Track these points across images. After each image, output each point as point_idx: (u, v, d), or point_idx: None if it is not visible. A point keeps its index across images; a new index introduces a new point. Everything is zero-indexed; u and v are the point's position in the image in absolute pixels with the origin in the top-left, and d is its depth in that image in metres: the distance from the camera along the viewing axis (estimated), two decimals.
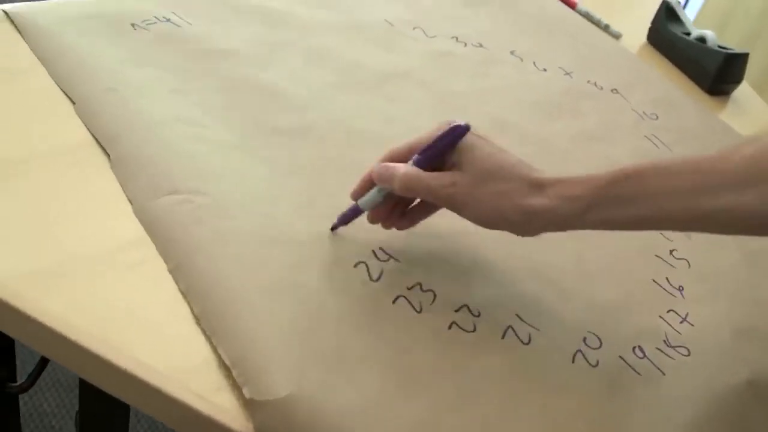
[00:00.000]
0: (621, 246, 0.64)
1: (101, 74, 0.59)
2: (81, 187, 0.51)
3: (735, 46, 0.97)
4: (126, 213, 0.50)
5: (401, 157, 0.50)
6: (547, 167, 0.49)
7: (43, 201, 0.49)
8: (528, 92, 0.79)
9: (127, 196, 0.51)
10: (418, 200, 0.53)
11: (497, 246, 0.58)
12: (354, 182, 0.52)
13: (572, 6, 1.03)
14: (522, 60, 0.85)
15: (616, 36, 1.01)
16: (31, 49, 0.61)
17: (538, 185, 0.47)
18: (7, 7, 0.65)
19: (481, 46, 0.85)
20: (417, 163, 0.49)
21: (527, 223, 0.48)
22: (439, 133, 0.48)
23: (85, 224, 0.49)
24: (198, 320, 0.45)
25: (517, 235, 0.49)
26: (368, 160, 0.52)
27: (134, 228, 0.49)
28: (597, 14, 1.02)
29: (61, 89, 0.58)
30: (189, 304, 0.46)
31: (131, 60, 0.62)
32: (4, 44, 0.61)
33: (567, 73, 0.86)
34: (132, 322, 0.44)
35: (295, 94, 0.66)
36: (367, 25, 0.80)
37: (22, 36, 0.62)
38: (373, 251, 0.53)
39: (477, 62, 0.81)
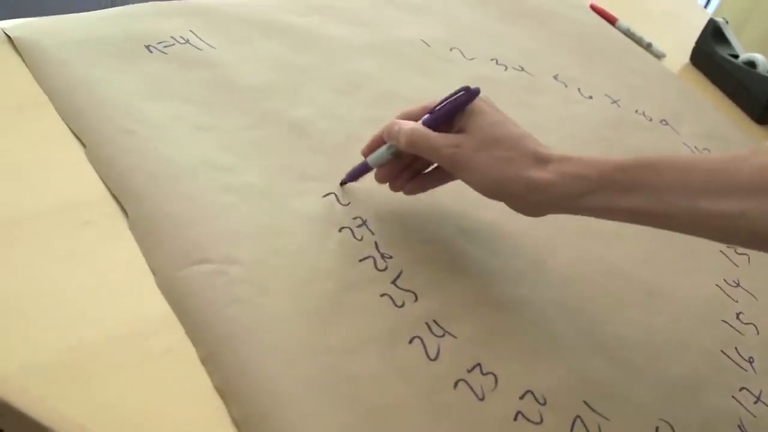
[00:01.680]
0: (687, 309, 0.59)
1: (116, 111, 0.53)
2: (93, 253, 0.45)
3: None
4: (148, 286, 0.44)
5: (414, 117, 0.51)
6: None
7: (46, 273, 0.43)
8: (576, 125, 0.73)
9: (149, 264, 0.45)
10: (430, 169, 0.53)
11: (559, 318, 0.53)
12: (394, 231, 0.52)
13: (612, 21, 0.97)
14: (566, 86, 0.79)
15: (659, 56, 0.95)
16: (36, 80, 0.54)
17: (544, 159, 0.46)
18: (8, 25, 0.58)
19: (522, 69, 0.79)
20: (426, 123, 0.49)
21: (526, 196, 0.47)
22: (453, 95, 0.49)
23: (99, 301, 0.43)
24: (238, 426, 0.39)
25: (515, 210, 0.49)
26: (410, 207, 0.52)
27: (158, 305, 0.43)
28: (638, 31, 0.96)
29: (71, 129, 0.52)
30: (226, 403, 0.40)
31: (149, 91, 0.56)
32: (5, 73, 0.55)
33: (614, 101, 0.80)
34: (159, 429, 0.38)
35: (328, 131, 0.60)
36: (403, 46, 0.74)
37: (26, 63, 0.55)
38: (427, 324, 0.48)
39: (520, 89, 0.75)
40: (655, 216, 0.45)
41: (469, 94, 0.48)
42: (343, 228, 0.52)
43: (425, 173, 0.53)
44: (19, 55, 0.56)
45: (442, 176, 0.52)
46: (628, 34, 0.96)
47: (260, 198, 0.51)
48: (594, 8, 0.98)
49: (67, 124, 0.52)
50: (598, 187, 0.45)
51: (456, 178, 0.50)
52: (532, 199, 0.47)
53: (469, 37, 0.81)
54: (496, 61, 0.78)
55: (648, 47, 0.95)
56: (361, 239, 0.52)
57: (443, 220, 0.56)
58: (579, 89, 0.80)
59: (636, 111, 0.80)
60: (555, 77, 0.80)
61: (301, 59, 0.66)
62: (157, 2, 0.66)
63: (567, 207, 0.47)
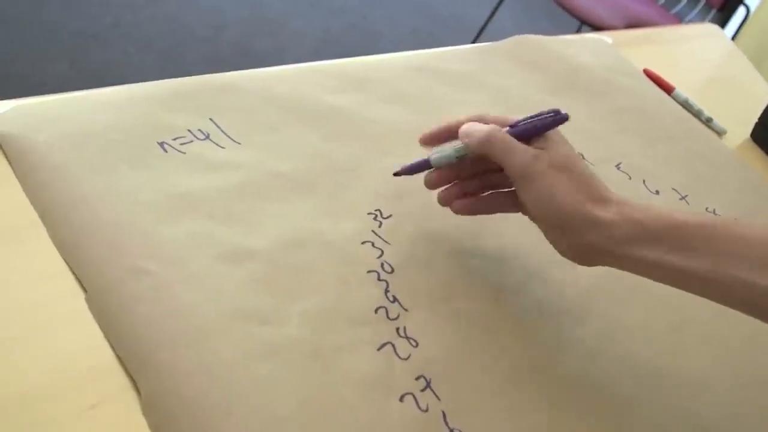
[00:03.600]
0: None
1: (125, 241, 0.44)
2: None
3: None
4: None
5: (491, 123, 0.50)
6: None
7: None
8: None
9: None
10: (487, 194, 0.52)
11: None
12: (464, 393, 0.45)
13: (669, 91, 0.89)
14: (630, 178, 0.71)
15: (720, 132, 0.88)
16: (24, 193, 0.45)
17: (606, 199, 0.47)
18: None
19: (583, 157, 0.70)
20: (509, 132, 0.49)
21: (580, 231, 0.46)
22: (540, 114, 0.50)
23: None
24: None
25: (562, 252, 0.48)
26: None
27: None
28: (696, 103, 0.88)
29: (68, 266, 0.42)
30: None
31: (165, 207, 0.47)
32: None
33: (682, 197, 0.72)
34: None
35: (374, 254, 0.51)
36: None
37: (13, 170, 0.46)
38: None
39: None
40: (707, 282, 0.43)
41: (558, 117, 0.49)
42: (405, 395, 0.43)
43: (480, 196, 0.52)
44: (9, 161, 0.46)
45: (497, 203, 0.52)
46: (686, 106, 0.88)
47: (306, 361, 0.42)
48: (648, 74, 0.90)
49: (63, 257, 0.42)
50: (652, 237, 0.44)
51: (513, 209, 0.51)
52: (586, 238, 0.46)
53: (521, 114, 0.72)
54: None
55: (708, 122, 0.88)
56: (427, 410, 0.43)
57: (510, 385, 0.47)
58: (644, 181, 0.72)
59: (706, 209, 0.73)
60: (618, 166, 0.72)
61: (341, 153, 0.57)
62: (171, 80, 0.56)
63: (618, 254, 0.45)
